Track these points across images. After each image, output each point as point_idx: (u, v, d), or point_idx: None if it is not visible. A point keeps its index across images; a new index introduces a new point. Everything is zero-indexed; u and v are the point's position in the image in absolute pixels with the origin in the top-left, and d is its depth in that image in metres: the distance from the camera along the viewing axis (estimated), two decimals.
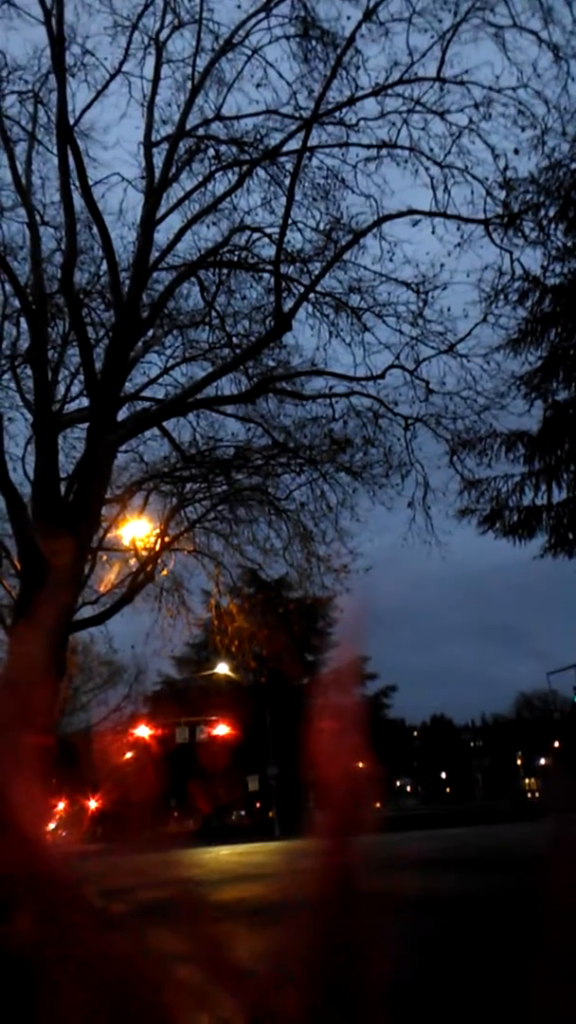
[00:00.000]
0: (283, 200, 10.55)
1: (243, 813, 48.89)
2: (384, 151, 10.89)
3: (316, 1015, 0.51)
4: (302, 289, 11.31)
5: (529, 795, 55.48)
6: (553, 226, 11.14)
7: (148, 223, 10.80)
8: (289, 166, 10.91)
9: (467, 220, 10.73)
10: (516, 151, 10.30)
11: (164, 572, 14.60)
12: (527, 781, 61.96)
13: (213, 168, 11.58)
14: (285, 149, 11.02)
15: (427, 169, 10.75)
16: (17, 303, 11.27)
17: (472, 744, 67.47)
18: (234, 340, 12.71)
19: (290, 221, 10.43)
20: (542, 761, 62.12)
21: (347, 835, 0.57)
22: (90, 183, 10.04)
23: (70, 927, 0.60)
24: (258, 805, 42.58)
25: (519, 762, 63.11)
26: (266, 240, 11.81)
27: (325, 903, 0.54)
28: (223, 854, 18.20)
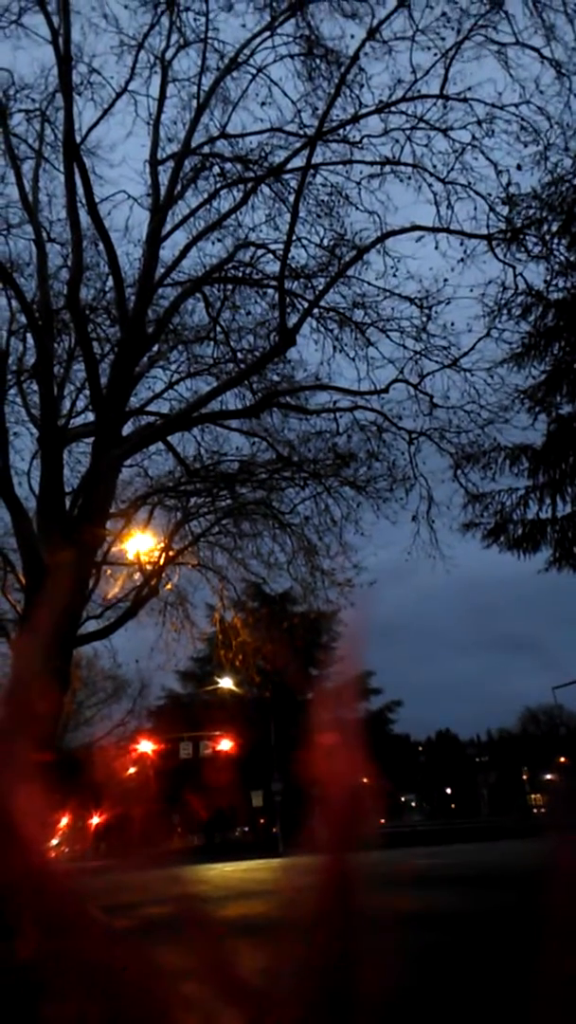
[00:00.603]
0: (287, 217, 10.65)
1: (247, 829, 48.59)
2: (387, 168, 10.97)
3: None
4: (306, 304, 11.36)
5: (535, 811, 54.99)
6: (556, 241, 11.17)
7: (154, 240, 10.89)
8: (293, 183, 11.01)
9: (470, 235, 10.79)
10: (519, 167, 10.37)
11: (168, 586, 14.61)
12: (533, 797, 61.46)
13: (218, 185, 11.70)
14: (289, 166, 11.13)
15: (430, 185, 10.84)
16: (24, 319, 11.35)
17: (477, 759, 67.02)
18: (238, 355, 12.78)
19: (294, 237, 10.49)
20: (548, 776, 61.65)
21: (346, 851, 0.58)
22: (96, 200, 10.12)
23: (72, 942, 0.60)
24: (262, 821, 42.33)
25: (525, 778, 62.63)
26: (270, 256, 11.90)
27: (323, 921, 0.54)
28: (227, 870, 18.08)
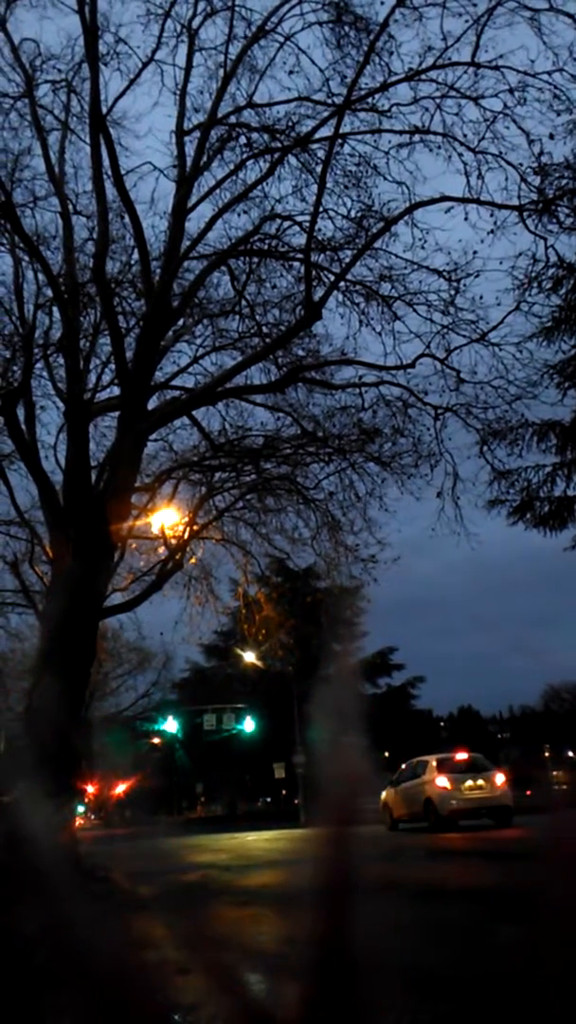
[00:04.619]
0: (314, 188, 10.50)
1: (268, 800, 49.27)
2: (417, 137, 10.79)
3: (327, 1004, 0.52)
4: (332, 277, 11.26)
5: (556, 787, 54.98)
6: None
7: (179, 212, 10.83)
8: (321, 153, 10.86)
9: (501, 206, 10.59)
10: (551, 136, 10.14)
11: (193, 560, 14.69)
12: (555, 773, 61.56)
13: (244, 156, 11.58)
14: (317, 136, 10.98)
15: (460, 155, 10.64)
16: (50, 292, 11.37)
17: (499, 736, 67.15)
18: (264, 329, 12.71)
19: (321, 209, 10.37)
20: (570, 753, 61.68)
21: (346, 825, 0.58)
22: (122, 172, 10.09)
23: (67, 919, 0.60)
24: (284, 792, 42.87)
25: (547, 754, 62.70)
26: (297, 228, 11.78)
27: (329, 892, 0.55)
28: (249, 839, 18.35)
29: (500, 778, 16.02)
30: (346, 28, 10.61)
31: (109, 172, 9.78)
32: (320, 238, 11.32)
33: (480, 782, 15.70)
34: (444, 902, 4.86)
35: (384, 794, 18.00)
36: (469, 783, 15.61)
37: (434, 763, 16.52)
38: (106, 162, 9.68)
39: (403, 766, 18.21)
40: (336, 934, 0.53)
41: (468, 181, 10.66)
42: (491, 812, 15.48)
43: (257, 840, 17.74)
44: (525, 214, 10.56)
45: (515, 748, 64.96)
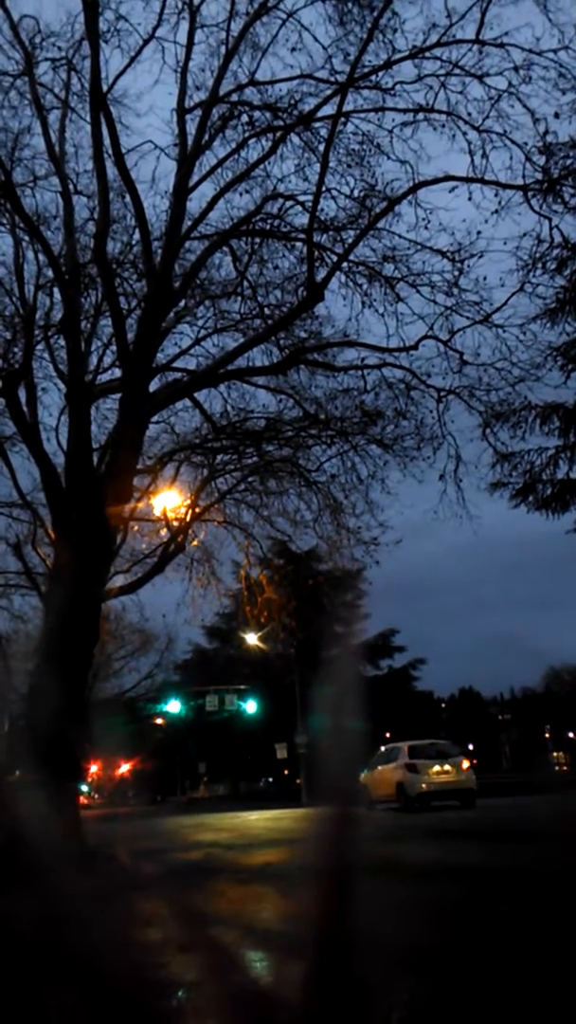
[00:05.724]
0: (317, 167, 10.40)
1: (270, 780, 49.67)
2: (421, 115, 10.63)
3: (327, 981, 0.53)
4: (335, 258, 11.17)
5: (557, 768, 55.46)
6: None
7: (181, 191, 10.74)
8: (323, 132, 10.74)
9: (505, 186, 10.47)
10: (556, 115, 10.00)
11: (195, 543, 14.73)
12: (556, 754, 61.96)
13: (246, 134, 11.44)
14: (320, 114, 10.84)
15: (465, 134, 10.49)
16: (50, 273, 11.31)
17: (500, 717, 67.49)
18: (266, 311, 12.63)
19: (324, 188, 10.27)
20: (571, 734, 62.03)
21: (344, 805, 0.59)
22: (123, 151, 9.98)
23: (68, 900, 0.61)
24: (286, 772, 43.22)
25: (547, 735, 63.08)
26: (299, 208, 11.66)
27: (329, 872, 0.56)
28: (252, 819, 18.51)
29: (465, 764, 17.89)
30: (349, 5, 10.43)
31: (110, 151, 9.69)
32: (323, 218, 11.23)
33: (447, 767, 17.46)
34: (441, 882, 4.91)
35: (363, 776, 19.14)
36: (436, 768, 17.40)
37: (405, 749, 18.28)
38: (107, 141, 9.59)
39: (381, 749, 20.05)
40: (336, 913, 0.54)
41: (472, 160, 10.54)
42: (456, 795, 17.19)
43: (259, 820, 17.89)
44: (530, 194, 10.44)
45: (516, 729, 65.33)
